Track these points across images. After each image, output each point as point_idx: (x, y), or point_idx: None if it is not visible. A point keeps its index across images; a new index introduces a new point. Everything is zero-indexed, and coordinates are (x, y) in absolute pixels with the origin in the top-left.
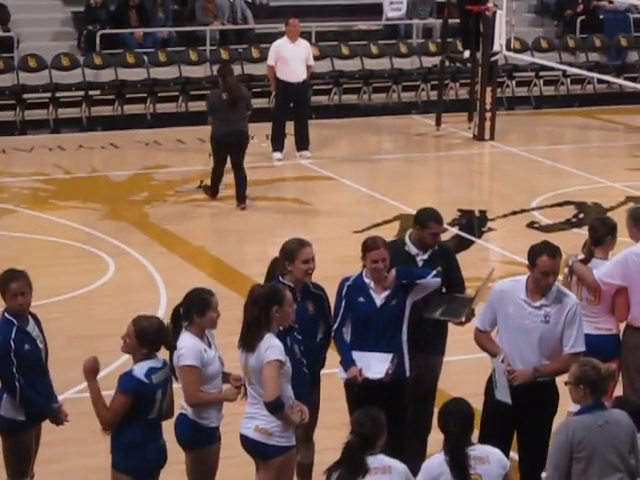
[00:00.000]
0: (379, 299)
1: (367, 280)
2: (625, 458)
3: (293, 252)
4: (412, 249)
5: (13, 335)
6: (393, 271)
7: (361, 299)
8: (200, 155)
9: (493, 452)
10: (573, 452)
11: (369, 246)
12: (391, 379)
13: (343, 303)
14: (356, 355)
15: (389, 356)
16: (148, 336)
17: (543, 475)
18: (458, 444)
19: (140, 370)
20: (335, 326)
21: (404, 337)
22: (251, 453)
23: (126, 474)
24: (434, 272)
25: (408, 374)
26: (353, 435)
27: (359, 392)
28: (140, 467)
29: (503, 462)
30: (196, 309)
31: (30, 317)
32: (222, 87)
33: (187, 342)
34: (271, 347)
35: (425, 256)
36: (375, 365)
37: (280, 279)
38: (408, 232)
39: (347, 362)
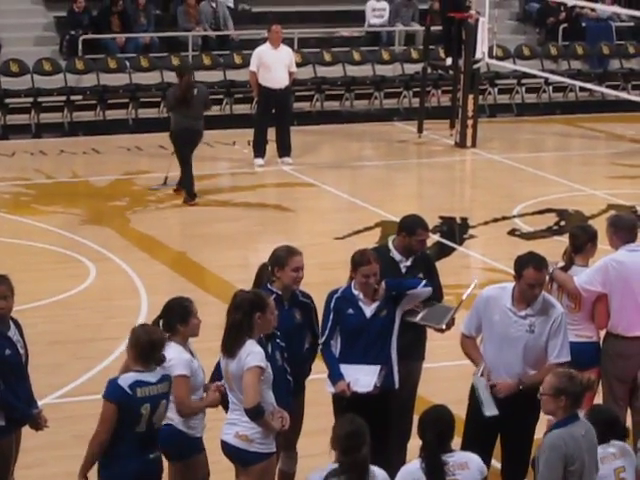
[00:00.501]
0: (369, 310)
1: (356, 292)
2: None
3: (283, 259)
4: (396, 255)
5: None
6: (383, 283)
7: (350, 311)
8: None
9: (472, 458)
10: (567, 465)
11: (359, 261)
12: (379, 391)
13: (331, 316)
14: (344, 368)
15: (377, 368)
16: (141, 346)
17: None
18: (434, 451)
19: (125, 380)
20: (323, 339)
21: (393, 347)
22: (232, 459)
23: None
24: (424, 282)
25: (397, 385)
26: (340, 448)
27: (347, 404)
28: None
29: (481, 468)
30: (179, 318)
31: (11, 322)
32: (177, 85)
33: (174, 352)
34: (252, 353)
35: (408, 262)
36: (363, 378)
37: (268, 286)
38: (391, 238)
39: (335, 376)
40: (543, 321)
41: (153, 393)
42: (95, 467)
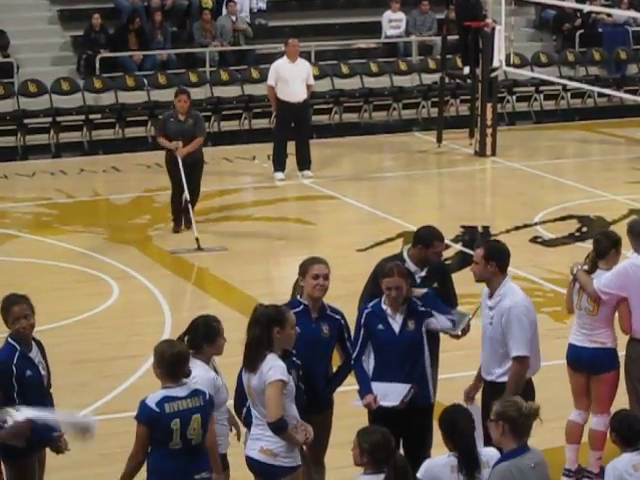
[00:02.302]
0: (397, 325)
1: (384, 307)
2: None
3: (306, 267)
4: (411, 266)
5: (15, 360)
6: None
7: (380, 326)
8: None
9: (492, 455)
10: None
11: (384, 272)
12: (406, 406)
13: (362, 331)
14: (375, 385)
15: (407, 386)
16: (166, 361)
17: None
18: (472, 444)
19: (153, 399)
20: (355, 354)
21: (427, 362)
22: (257, 474)
23: None
24: (453, 314)
25: (433, 400)
26: (362, 453)
27: (382, 419)
28: None
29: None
30: (206, 337)
31: (34, 343)
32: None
33: (198, 370)
34: (273, 367)
35: (423, 273)
36: (392, 394)
37: (298, 298)
38: (406, 248)
39: (364, 390)
40: (497, 312)
41: (182, 408)
42: None
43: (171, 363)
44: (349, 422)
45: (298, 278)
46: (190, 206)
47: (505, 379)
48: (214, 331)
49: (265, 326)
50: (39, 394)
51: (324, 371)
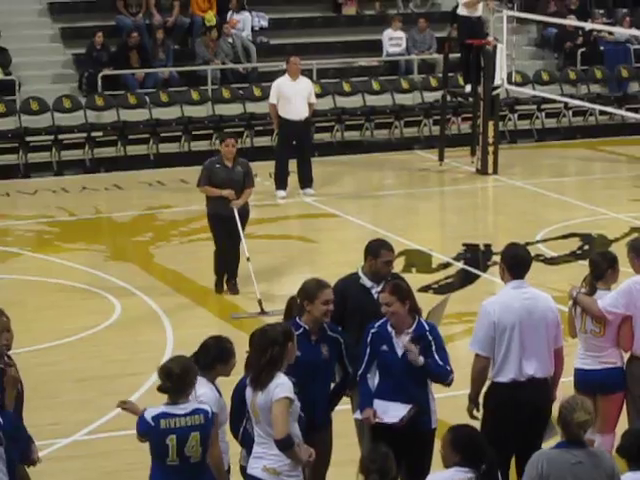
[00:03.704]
0: (400, 348)
1: (390, 328)
2: None
3: (314, 292)
4: (366, 282)
5: None
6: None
7: (384, 347)
8: (204, 195)
9: None
10: None
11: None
12: (404, 424)
13: (368, 350)
14: (376, 402)
15: (408, 406)
16: (171, 377)
17: None
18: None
19: (150, 412)
20: (360, 371)
21: (429, 388)
22: None
23: None
24: (449, 371)
25: (434, 425)
26: (371, 474)
27: (386, 440)
28: None
29: None
30: (219, 358)
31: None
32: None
33: (205, 389)
34: (280, 385)
35: (379, 287)
36: (392, 412)
37: (297, 320)
38: (360, 266)
39: (364, 404)
40: None
41: (180, 425)
42: None
43: (178, 380)
44: (349, 441)
45: (295, 298)
46: (249, 264)
47: (497, 379)
48: (227, 352)
49: (283, 344)
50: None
51: (325, 393)
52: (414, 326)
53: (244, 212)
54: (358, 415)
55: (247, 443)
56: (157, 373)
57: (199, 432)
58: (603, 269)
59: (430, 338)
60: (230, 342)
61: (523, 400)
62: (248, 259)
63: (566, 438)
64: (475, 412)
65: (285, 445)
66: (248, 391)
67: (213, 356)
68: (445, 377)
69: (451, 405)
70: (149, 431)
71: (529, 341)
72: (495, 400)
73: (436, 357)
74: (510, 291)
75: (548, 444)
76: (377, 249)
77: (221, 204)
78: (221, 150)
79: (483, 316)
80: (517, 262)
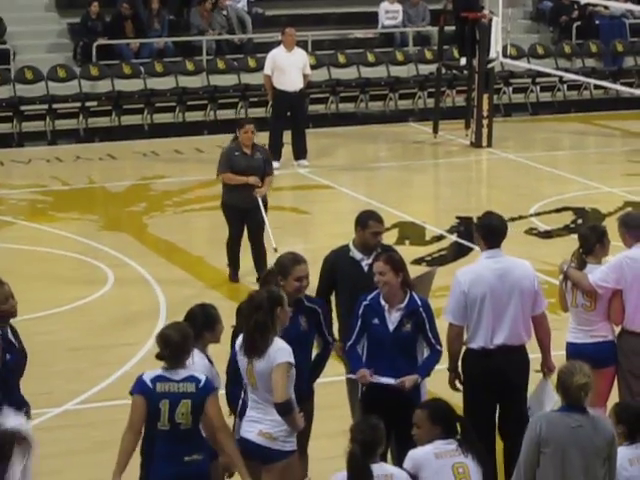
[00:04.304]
0: (392, 323)
1: (382, 302)
2: (594, 465)
3: (287, 269)
4: (356, 254)
5: None
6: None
7: (376, 321)
8: (197, 165)
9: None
10: (541, 446)
11: (374, 258)
12: (402, 388)
13: (359, 322)
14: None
15: (398, 380)
16: (170, 344)
17: None
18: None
19: (149, 375)
20: (350, 342)
21: (420, 364)
22: (252, 457)
23: None
24: (435, 360)
25: (424, 398)
26: (354, 443)
27: (378, 411)
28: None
29: None
30: (206, 325)
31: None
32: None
33: (195, 358)
34: (280, 350)
35: (369, 260)
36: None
37: None
38: (352, 239)
39: (356, 366)
40: None
41: (173, 390)
42: (111, 471)
43: (177, 347)
44: (334, 413)
45: (272, 270)
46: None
47: (470, 345)
48: (213, 318)
49: (268, 310)
50: (12, 380)
51: (306, 364)
52: (406, 301)
53: (264, 201)
54: (351, 375)
55: (244, 414)
56: (155, 340)
57: (190, 400)
58: (592, 243)
59: (424, 315)
60: (214, 308)
61: (493, 368)
62: (275, 250)
63: (566, 402)
64: (458, 383)
65: (286, 409)
66: (241, 360)
67: (201, 324)
68: (438, 361)
69: (440, 379)
70: (145, 392)
71: (501, 309)
72: (468, 367)
73: (429, 334)
74: (483, 260)
75: None
76: (365, 220)
77: (240, 195)
78: (239, 136)
79: (455, 285)
80: (491, 231)
